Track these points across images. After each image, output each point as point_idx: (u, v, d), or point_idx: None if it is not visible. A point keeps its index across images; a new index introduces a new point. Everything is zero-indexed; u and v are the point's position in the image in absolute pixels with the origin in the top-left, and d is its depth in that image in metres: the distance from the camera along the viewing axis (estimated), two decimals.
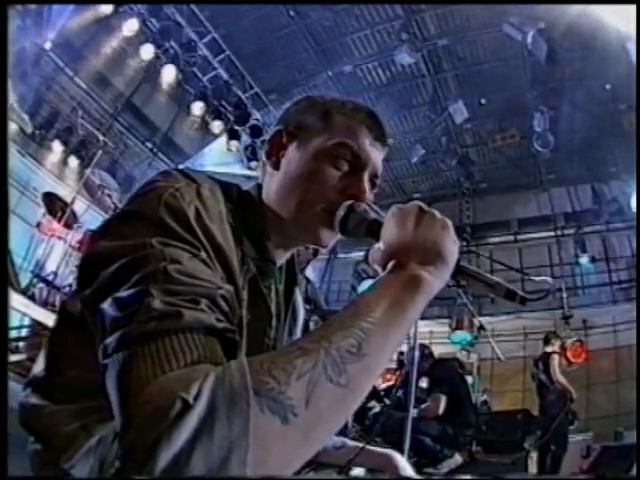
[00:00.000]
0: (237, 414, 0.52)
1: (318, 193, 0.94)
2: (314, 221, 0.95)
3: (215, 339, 0.62)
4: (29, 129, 7.26)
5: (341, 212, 0.92)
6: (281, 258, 1.03)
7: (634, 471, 4.59)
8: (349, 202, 0.93)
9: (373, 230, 0.87)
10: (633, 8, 5.44)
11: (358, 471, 1.37)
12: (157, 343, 0.58)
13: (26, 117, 7.05)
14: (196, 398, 0.52)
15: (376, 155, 1.00)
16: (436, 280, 0.75)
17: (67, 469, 0.75)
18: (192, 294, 0.64)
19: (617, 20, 7.49)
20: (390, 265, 0.76)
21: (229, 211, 0.86)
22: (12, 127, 7.62)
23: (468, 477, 4.78)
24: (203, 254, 0.72)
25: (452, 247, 0.78)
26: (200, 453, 0.50)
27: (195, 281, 0.66)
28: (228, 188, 0.93)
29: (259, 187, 1.03)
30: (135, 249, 0.68)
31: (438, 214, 0.80)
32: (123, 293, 0.64)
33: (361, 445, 1.28)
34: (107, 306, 0.64)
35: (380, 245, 0.82)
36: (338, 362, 0.60)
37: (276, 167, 1.00)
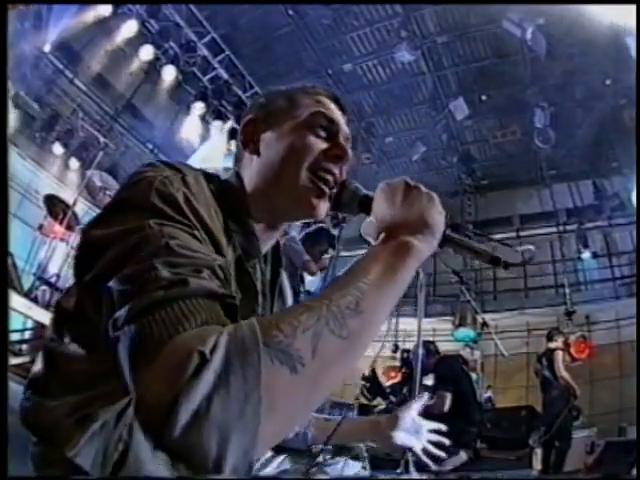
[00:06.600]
0: (250, 366, 0.56)
1: (304, 160, 0.99)
2: (305, 190, 0.99)
3: (217, 304, 0.65)
4: (39, 116, 7.22)
5: (335, 189, 1.00)
6: (268, 239, 1.07)
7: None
8: (342, 179, 1.01)
9: (364, 205, 0.96)
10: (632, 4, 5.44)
11: (360, 469, 1.37)
12: (166, 309, 0.61)
13: (35, 105, 7.02)
14: (212, 352, 0.55)
15: (343, 120, 1.08)
16: (424, 245, 0.82)
17: (72, 457, 0.75)
18: (194, 265, 0.68)
19: (617, 15, 7.48)
20: (382, 236, 0.84)
21: (213, 196, 0.90)
22: (12, 128, 7.63)
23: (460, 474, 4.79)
24: (196, 233, 0.76)
25: (438, 217, 0.86)
26: (218, 406, 0.53)
27: (195, 254, 0.70)
28: (210, 177, 0.96)
29: (237, 174, 1.06)
30: (134, 231, 0.71)
31: (424, 188, 0.88)
32: (129, 270, 0.66)
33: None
34: (114, 283, 0.66)
35: (372, 219, 0.89)
36: (339, 317, 0.65)
37: (256, 152, 1.04)
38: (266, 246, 1.08)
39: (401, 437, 1.43)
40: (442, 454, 1.51)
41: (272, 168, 1.01)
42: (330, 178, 1.00)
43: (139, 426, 0.58)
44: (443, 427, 1.55)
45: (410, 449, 1.47)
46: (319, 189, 1.00)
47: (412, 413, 1.50)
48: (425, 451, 1.49)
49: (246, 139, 1.07)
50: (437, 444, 1.51)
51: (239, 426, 0.54)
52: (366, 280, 0.72)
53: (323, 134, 1.03)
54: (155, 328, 0.59)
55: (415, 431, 1.47)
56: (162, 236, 0.70)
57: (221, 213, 0.90)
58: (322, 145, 1.02)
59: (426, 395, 1.65)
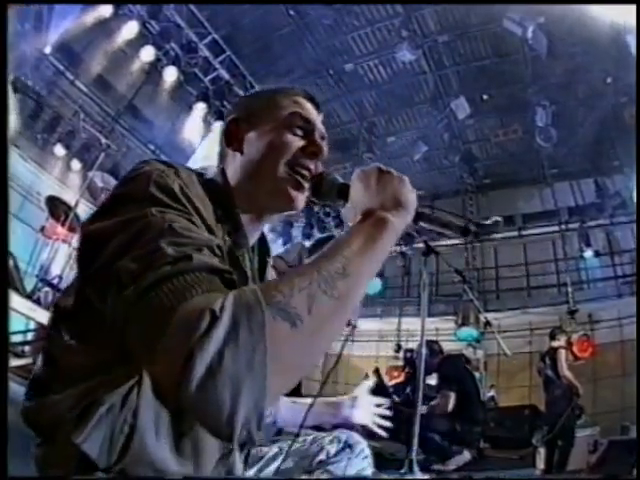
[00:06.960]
0: (255, 321, 0.63)
1: (283, 157, 1.08)
2: (283, 183, 1.08)
3: (218, 278, 0.72)
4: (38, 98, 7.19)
5: (314, 180, 1.10)
6: (254, 231, 1.15)
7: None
8: (320, 170, 1.11)
9: (342, 192, 1.03)
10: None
11: (361, 467, 1.37)
12: (173, 282, 0.68)
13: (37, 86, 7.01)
14: (221, 311, 0.63)
15: (319, 119, 1.17)
16: (399, 220, 0.91)
17: (79, 443, 0.77)
18: (195, 245, 0.75)
19: (617, 14, 7.48)
20: (360, 217, 0.92)
21: (202, 190, 0.96)
22: (13, 130, 7.64)
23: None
24: (193, 219, 0.83)
25: (409, 196, 0.95)
26: (229, 359, 0.60)
27: (195, 235, 0.78)
28: (198, 173, 1.04)
29: (222, 171, 1.13)
30: (136, 220, 0.77)
31: (395, 172, 0.97)
32: (136, 252, 0.73)
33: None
34: (122, 265, 0.72)
35: (350, 204, 0.98)
36: (329, 280, 0.73)
37: (240, 150, 1.12)
38: (253, 237, 1.15)
39: (358, 415, 1.63)
40: (388, 424, 1.68)
41: (253, 164, 1.09)
42: (307, 173, 1.09)
43: (153, 394, 0.65)
44: (384, 401, 1.72)
45: (364, 426, 1.64)
46: (296, 181, 1.08)
47: (364, 392, 1.68)
48: (375, 423, 1.67)
49: (230, 139, 1.14)
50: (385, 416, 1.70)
51: (249, 376, 0.61)
52: (350, 249, 0.80)
53: (300, 133, 1.11)
54: (165, 299, 0.66)
55: (367, 408, 1.66)
56: (164, 221, 0.77)
57: (211, 205, 0.96)
58: (299, 143, 1.10)
59: (372, 381, 1.81)
